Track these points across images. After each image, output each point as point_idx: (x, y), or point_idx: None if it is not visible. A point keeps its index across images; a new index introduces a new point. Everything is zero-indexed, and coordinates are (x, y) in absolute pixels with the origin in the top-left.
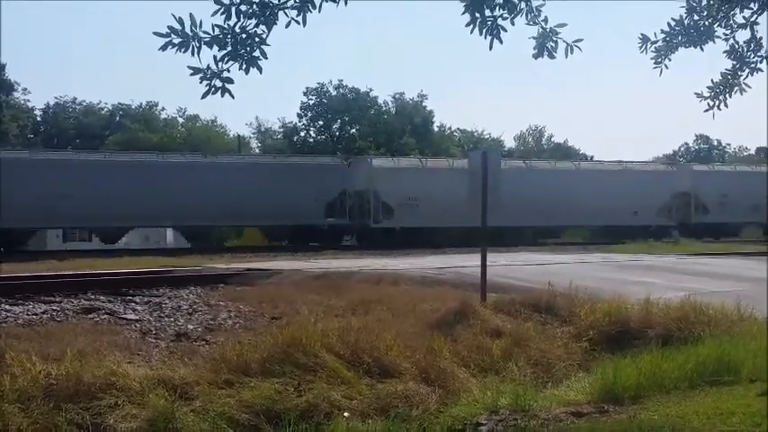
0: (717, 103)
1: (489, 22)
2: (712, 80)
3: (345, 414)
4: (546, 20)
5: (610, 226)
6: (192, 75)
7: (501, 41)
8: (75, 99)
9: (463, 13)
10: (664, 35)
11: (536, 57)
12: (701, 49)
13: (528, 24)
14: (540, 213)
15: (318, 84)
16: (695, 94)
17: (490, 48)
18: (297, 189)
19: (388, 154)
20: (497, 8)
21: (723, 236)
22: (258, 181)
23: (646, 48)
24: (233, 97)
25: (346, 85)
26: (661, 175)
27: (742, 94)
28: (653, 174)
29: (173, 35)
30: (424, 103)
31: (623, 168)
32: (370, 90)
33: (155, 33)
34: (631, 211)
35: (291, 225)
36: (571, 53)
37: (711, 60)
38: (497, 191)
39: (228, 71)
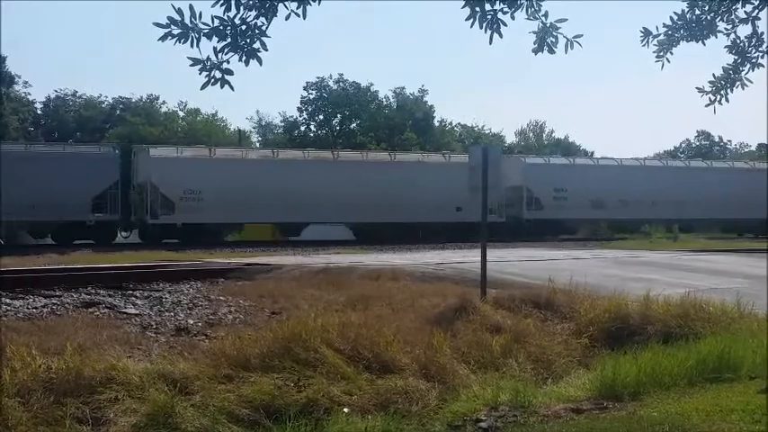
0: (718, 97)
1: (489, 16)
2: (714, 75)
3: (345, 410)
4: (546, 15)
5: (432, 223)
6: (191, 66)
7: (501, 35)
8: (76, 92)
9: (463, 7)
10: (666, 29)
11: (536, 52)
12: (703, 44)
13: (528, 19)
14: (351, 209)
15: (318, 78)
16: (696, 88)
17: (490, 42)
18: (58, 181)
19: (389, 149)
20: (497, 2)
21: (561, 233)
22: (10, 172)
23: (647, 41)
24: (232, 89)
25: (347, 80)
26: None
27: (743, 88)
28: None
29: (172, 26)
30: (424, 98)
31: (446, 161)
32: (371, 84)
33: (154, 24)
34: (455, 206)
35: (53, 221)
36: (571, 48)
37: (713, 55)
38: (498, 187)
39: (228, 62)
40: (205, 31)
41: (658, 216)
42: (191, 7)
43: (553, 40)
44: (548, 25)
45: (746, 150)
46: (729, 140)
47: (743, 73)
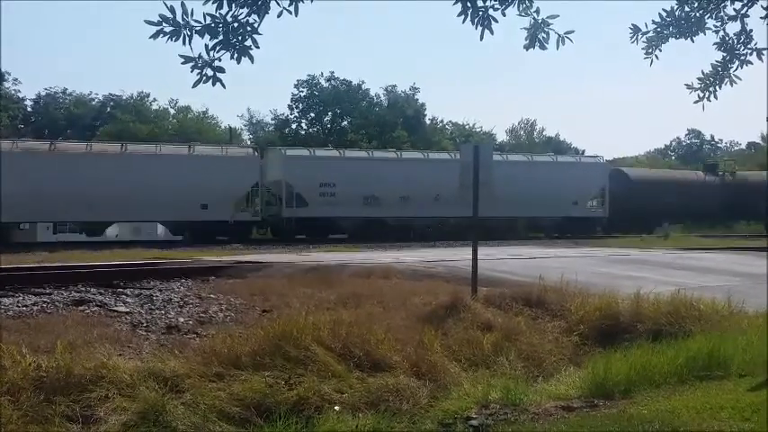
0: (707, 94)
1: (481, 12)
2: (703, 71)
3: (336, 408)
4: (538, 11)
5: (174, 221)
6: (183, 63)
7: (492, 32)
8: (66, 90)
9: (455, 3)
10: (655, 26)
11: (527, 48)
12: (692, 41)
13: (520, 15)
14: (78, 207)
15: (309, 75)
16: (686, 85)
17: (481, 38)
18: None
19: (380, 147)
20: None
21: (330, 232)
22: None
23: (636, 38)
24: (224, 86)
25: (338, 77)
26: (241, 161)
27: (732, 85)
28: (229, 160)
29: (164, 24)
30: (416, 96)
31: (189, 153)
32: (362, 82)
33: (146, 22)
34: (200, 204)
35: None
36: (562, 44)
37: (703, 53)
38: (489, 185)
39: (220, 60)
40: (197, 28)
41: (446, 214)
42: (182, 5)
43: (544, 36)
44: (539, 21)
45: (736, 149)
46: (720, 139)
47: (731, 70)
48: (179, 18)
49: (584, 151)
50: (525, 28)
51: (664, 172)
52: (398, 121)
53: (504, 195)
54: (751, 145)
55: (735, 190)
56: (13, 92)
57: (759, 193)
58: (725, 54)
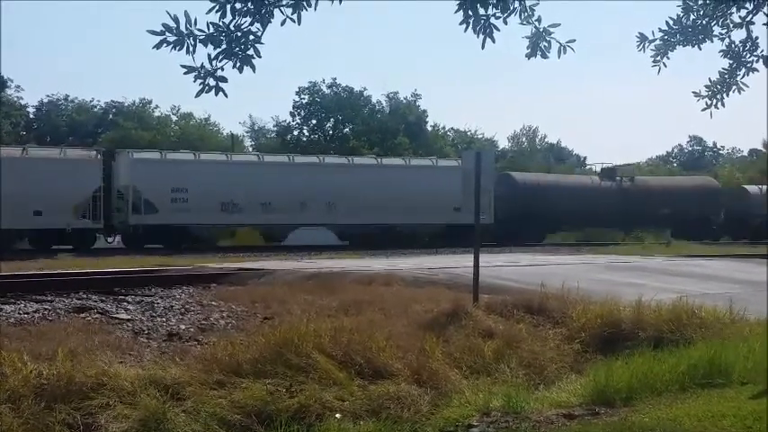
0: (714, 101)
1: (482, 21)
2: (710, 79)
3: (337, 415)
4: (539, 19)
5: (3, 230)
6: (185, 74)
7: (493, 40)
8: (68, 96)
9: (456, 12)
10: (662, 33)
11: (529, 56)
12: (699, 48)
13: (521, 24)
14: None
15: (311, 82)
16: (693, 93)
17: (482, 46)
18: None
19: (382, 153)
20: (490, 7)
21: (183, 241)
22: None
23: (644, 46)
24: (226, 96)
25: (339, 84)
26: (80, 164)
27: (740, 92)
28: (67, 163)
29: (167, 33)
30: (417, 103)
31: (21, 156)
32: (364, 89)
33: (149, 32)
34: (33, 210)
35: None
36: (564, 53)
37: (709, 61)
38: (489, 189)
39: (222, 69)
40: (200, 37)
41: (312, 221)
42: (186, 14)
43: (546, 44)
44: (541, 30)
45: (739, 156)
46: (723, 146)
47: (738, 77)
48: (182, 28)
49: (585, 158)
50: (527, 37)
51: (556, 176)
52: (400, 127)
53: (375, 201)
54: (752, 152)
55: (633, 196)
56: (15, 99)
57: (660, 200)
58: (731, 61)
